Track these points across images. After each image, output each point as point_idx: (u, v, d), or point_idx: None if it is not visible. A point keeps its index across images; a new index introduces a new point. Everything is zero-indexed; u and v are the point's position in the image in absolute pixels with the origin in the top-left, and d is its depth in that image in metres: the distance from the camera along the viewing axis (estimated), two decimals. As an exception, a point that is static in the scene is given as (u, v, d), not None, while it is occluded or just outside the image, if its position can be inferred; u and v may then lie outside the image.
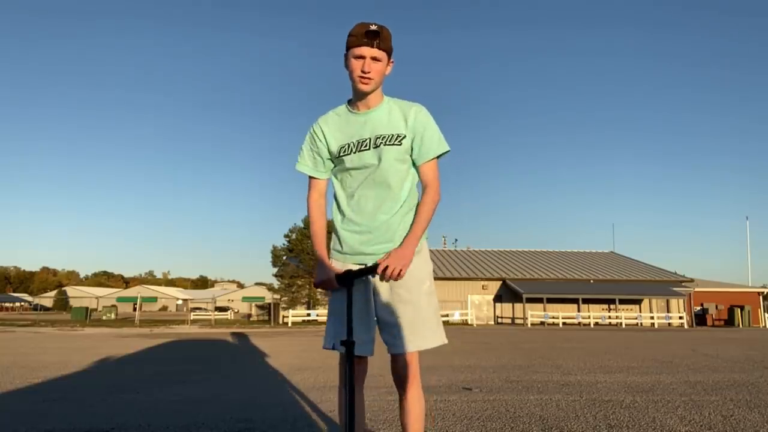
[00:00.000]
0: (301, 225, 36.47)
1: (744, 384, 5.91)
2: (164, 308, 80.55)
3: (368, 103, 2.18)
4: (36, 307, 65.27)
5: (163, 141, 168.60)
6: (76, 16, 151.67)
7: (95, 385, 6.16)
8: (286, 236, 38.18)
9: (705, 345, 13.36)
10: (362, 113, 2.18)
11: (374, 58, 2.08)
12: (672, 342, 14.93)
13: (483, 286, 36.52)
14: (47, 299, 76.06)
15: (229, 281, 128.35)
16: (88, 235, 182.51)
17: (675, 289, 36.20)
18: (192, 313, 38.66)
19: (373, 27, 2.05)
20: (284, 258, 37.82)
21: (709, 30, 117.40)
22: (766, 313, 37.90)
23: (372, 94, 2.15)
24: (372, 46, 2.06)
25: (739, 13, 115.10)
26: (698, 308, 38.02)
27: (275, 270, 38.57)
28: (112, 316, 41.70)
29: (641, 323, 33.44)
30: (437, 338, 2.17)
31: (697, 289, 37.79)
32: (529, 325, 31.97)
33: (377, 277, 2.04)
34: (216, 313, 42.56)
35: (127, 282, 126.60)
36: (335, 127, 2.22)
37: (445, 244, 49.66)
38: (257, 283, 76.73)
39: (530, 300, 33.91)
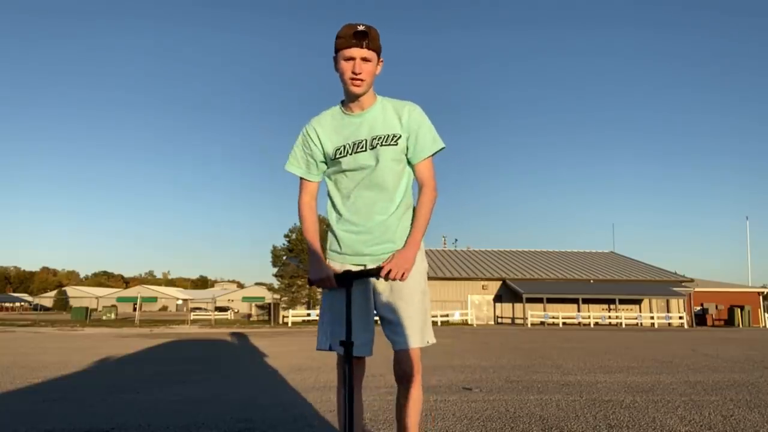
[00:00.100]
0: (301, 225, 36.44)
1: (744, 384, 5.91)
2: (164, 308, 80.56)
3: (362, 105, 2.17)
4: (36, 307, 65.28)
5: (163, 141, 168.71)
6: (76, 16, 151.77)
7: (95, 385, 6.16)
8: (286, 236, 38.27)
9: (705, 345, 13.36)
10: (357, 114, 2.18)
11: (364, 59, 2.07)
12: (672, 342, 14.93)
13: (483, 286, 36.52)
14: (47, 299, 76.07)
15: (229, 281, 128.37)
16: (88, 235, 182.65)
17: (675, 289, 36.21)
18: (192, 313, 38.67)
19: (361, 27, 2.04)
20: (284, 258, 37.86)
21: (709, 30, 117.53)
22: (766, 313, 37.90)
23: (365, 95, 2.14)
24: (361, 47, 2.05)
25: (739, 13, 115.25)
26: (698, 308, 38.03)
27: (275, 270, 38.65)
28: (112, 316, 41.72)
29: (641, 323, 33.43)
30: (431, 336, 2.19)
31: (697, 289, 37.79)
32: (529, 325, 31.97)
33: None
34: (216, 313, 42.58)
35: (127, 282, 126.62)
36: (330, 128, 2.21)
37: (445, 244, 49.71)
38: (257, 283, 76.78)
39: (530, 300, 33.91)
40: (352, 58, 2.06)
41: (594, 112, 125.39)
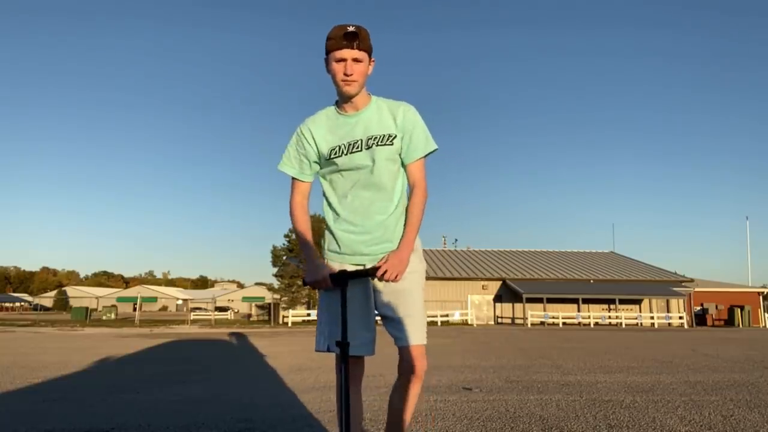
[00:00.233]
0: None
1: (744, 384, 5.91)
2: (164, 308, 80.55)
3: (356, 105, 2.17)
4: (36, 307, 65.27)
5: (163, 141, 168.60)
6: (76, 16, 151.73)
7: (95, 385, 6.16)
8: (286, 236, 38.25)
9: (705, 345, 13.36)
10: (352, 114, 2.18)
11: (355, 60, 2.07)
12: (672, 342, 14.93)
13: (483, 286, 36.51)
14: (47, 299, 76.06)
15: (229, 281, 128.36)
16: (88, 235, 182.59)
17: (675, 289, 36.21)
18: (192, 313, 38.68)
19: (351, 28, 2.05)
20: (284, 258, 37.86)
21: (709, 30, 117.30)
22: (766, 313, 37.90)
23: (358, 95, 2.14)
24: (352, 48, 2.06)
25: (739, 13, 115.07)
26: (698, 308, 38.03)
27: (275, 270, 38.64)
28: (112, 316, 41.72)
29: (641, 323, 33.43)
30: (426, 337, 2.19)
31: (697, 289, 37.79)
32: (529, 325, 31.97)
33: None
34: (216, 313, 42.57)
35: (127, 282, 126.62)
36: (325, 128, 2.20)
37: (445, 244, 49.66)
38: (257, 283, 76.78)
39: (530, 300, 33.91)
40: (344, 60, 2.07)
41: (594, 112, 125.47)
